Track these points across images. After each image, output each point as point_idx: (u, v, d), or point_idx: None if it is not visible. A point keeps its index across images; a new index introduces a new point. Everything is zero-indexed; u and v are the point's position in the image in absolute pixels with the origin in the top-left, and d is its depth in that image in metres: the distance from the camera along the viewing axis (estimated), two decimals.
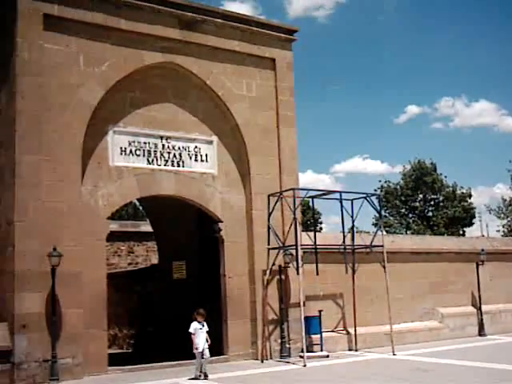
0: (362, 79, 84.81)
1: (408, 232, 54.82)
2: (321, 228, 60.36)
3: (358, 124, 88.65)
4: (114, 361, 18.58)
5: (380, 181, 60.36)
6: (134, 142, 18.93)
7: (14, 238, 16.33)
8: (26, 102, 16.83)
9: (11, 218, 16.54)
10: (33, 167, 16.70)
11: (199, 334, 16.11)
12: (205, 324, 16.34)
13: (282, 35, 21.97)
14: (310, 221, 46.60)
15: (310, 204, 31.31)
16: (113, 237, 21.13)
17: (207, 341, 16.25)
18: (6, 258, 16.76)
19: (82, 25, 17.95)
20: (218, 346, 19.31)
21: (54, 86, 17.33)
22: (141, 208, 44.21)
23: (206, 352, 16.23)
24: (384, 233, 22.47)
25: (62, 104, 17.39)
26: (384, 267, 21.23)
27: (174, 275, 25.54)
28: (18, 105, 16.77)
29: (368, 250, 21.92)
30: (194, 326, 16.18)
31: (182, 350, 18.42)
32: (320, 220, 62.92)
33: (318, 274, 21.14)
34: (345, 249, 21.57)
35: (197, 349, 16.10)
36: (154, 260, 33.40)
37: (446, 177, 58.52)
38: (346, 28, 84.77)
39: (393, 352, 20.30)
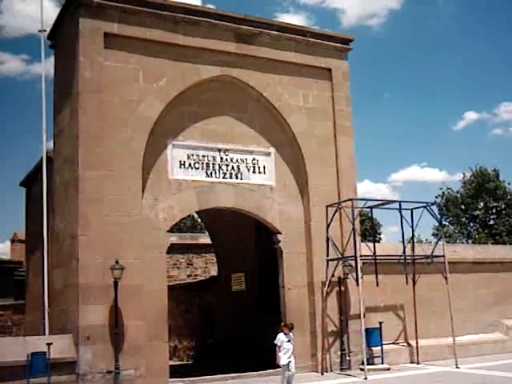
0: (419, 87, 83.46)
1: (469, 241, 53.62)
2: (380, 238, 59.64)
3: (415, 132, 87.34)
4: (175, 372, 18.72)
5: (441, 188, 59.27)
6: (192, 155, 19.15)
7: (77, 251, 16.70)
8: (88, 119, 17.25)
9: (75, 232, 16.93)
10: (95, 182, 17.07)
11: (285, 347, 14.98)
12: (292, 336, 15.26)
13: (338, 45, 21.92)
14: (369, 231, 46.13)
15: (368, 214, 31.07)
16: (172, 249, 21.35)
17: (293, 354, 15.12)
18: (71, 271, 17.16)
19: (140, 42, 18.33)
20: None
21: (114, 102, 17.73)
22: (199, 220, 44.62)
23: (292, 366, 15.02)
24: (445, 242, 22.03)
25: (123, 120, 17.75)
26: (446, 278, 20.83)
27: (234, 287, 25.64)
28: (81, 122, 17.21)
29: (429, 260, 21.52)
30: (281, 339, 15.07)
31: (243, 362, 18.45)
32: (379, 230, 62.19)
33: (377, 285, 20.86)
34: (405, 259, 21.24)
35: (281, 363, 14.94)
36: (213, 272, 33.59)
37: (509, 184, 57.01)
38: (400, 35, 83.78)
39: (456, 365, 19.84)
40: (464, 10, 79.23)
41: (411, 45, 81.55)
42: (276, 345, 15.10)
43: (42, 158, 19.66)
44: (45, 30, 19.41)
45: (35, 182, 22.06)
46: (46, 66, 19.35)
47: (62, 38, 19.33)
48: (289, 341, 15.09)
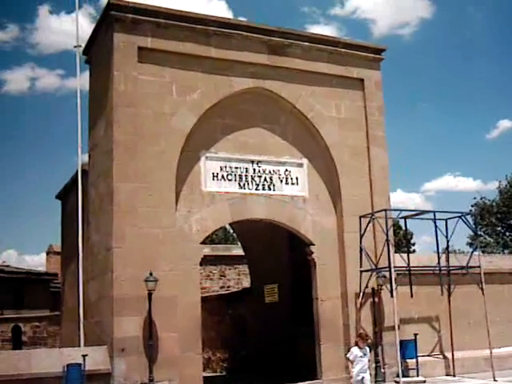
0: (452, 95, 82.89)
1: (505, 251, 52.78)
2: (414, 249, 59.11)
3: (448, 141, 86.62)
4: None
5: (475, 198, 58.54)
6: (225, 167, 19.23)
7: (112, 263, 16.84)
8: (122, 132, 17.44)
9: (110, 245, 17.10)
10: (129, 194, 17.23)
11: (358, 361, 14.34)
12: (367, 350, 14.77)
13: (370, 55, 21.84)
14: (402, 241, 45.72)
15: (401, 223, 30.79)
16: (205, 261, 21.42)
17: (369, 368, 14.61)
18: (105, 283, 17.31)
19: (173, 55, 18.49)
20: (312, 371, 19.19)
21: (148, 115, 17.90)
22: (231, 231, 44.68)
23: (367, 381, 14.37)
24: (480, 253, 21.74)
25: (157, 132, 17.91)
26: (482, 289, 20.54)
27: (267, 298, 25.59)
28: (115, 135, 17.40)
29: (464, 271, 21.24)
30: (355, 353, 14.45)
31: (276, 374, 18.38)
32: (412, 240, 61.61)
33: (412, 296, 20.64)
34: (440, 270, 21.02)
35: (353, 379, 14.37)
36: (246, 283, 33.60)
37: None
38: (432, 44, 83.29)
39: (493, 378, 19.52)
40: (495, 17, 78.56)
41: (443, 53, 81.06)
42: (348, 359, 14.58)
43: (77, 171, 19.92)
44: (80, 46, 19.74)
45: (71, 195, 22.35)
46: (80, 81, 19.63)
47: (96, 52, 19.62)
48: (363, 355, 14.46)
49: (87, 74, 20.74)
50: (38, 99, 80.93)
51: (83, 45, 20.11)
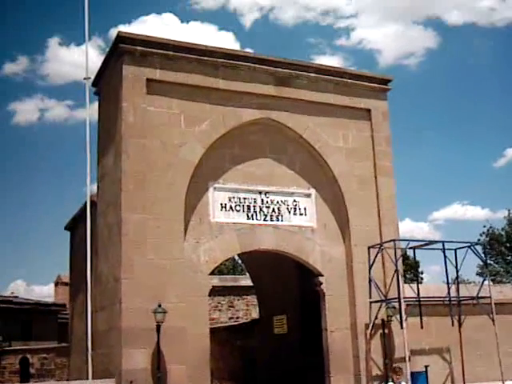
0: (458, 124, 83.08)
1: None
2: (422, 278, 58.69)
3: (455, 170, 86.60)
4: None
5: (484, 226, 58.28)
6: (233, 197, 19.25)
7: (120, 294, 16.81)
8: (130, 163, 17.55)
9: (118, 275, 17.09)
10: (138, 225, 17.26)
11: None
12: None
13: (376, 85, 21.96)
14: (411, 270, 45.47)
15: (409, 253, 30.65)
16: (213, 291, 21.33)
17: None
18: (114, 314, 17.26)
19: (182, 86, 18.67)
20: None
21: (157, 146, 18.02)
22: (240, 261, 44.59)
23: None
24: (491, 282, 21.57)
25: (165, 163, 18.00)
26: (493, 320, 20.34)
27: (275, 329, 25.44)
28: (124, 165, 17.51)
29: (474, 301, 21.08)
30: None
31: None
32: (420, 269, 61.25)
33: (422, 327, 20.42)
34: (450, 301, 20.83)
35: None
36: (255, 314, 33.43)
37: None
38: (438, 74, 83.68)
39: None
40: (500, 47, 78.96)
41: (449, 83, 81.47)
42: None
43: (86, 202, 19.95)
44: (89, 77, 19.88)
45: (79, 225, 22.42)
46: (89, 112, 19.77)
47: (105, 84, 19.85)
48: None
49: (96, 104, 20.99)
50: (48, 130, 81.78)
51: (92, 76, 20.34)
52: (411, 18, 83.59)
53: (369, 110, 21.64)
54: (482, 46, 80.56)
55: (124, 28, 66.76)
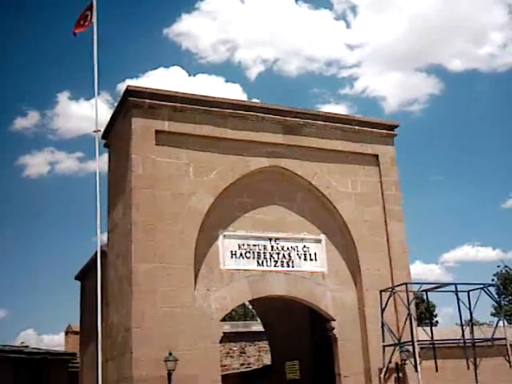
0: (465, 167, 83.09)
1: None
2: (436, 321, 58.10)
3: (464, 212, 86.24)
4: None
5: (498, 266, 57.86)
6: (243, 244, 19.34)
7: (131, 344, 16.80)
8: (140, 214, 17.71)
9: (129, 325, 17.09)
10: (148, 275, 17.34)
11: None
12: None
13: (384, 131, 22.18)
14: (424, 313, 45.01)
15: (423, 296, 30.42)
16: (224, 337, 21.23)
17: None
18: (125, 364, 17.22)
19: (190, 137, 18.96)
20: None
21: (166, 196, 18.21)
22: (251, 307, 44.38)
23: None
24: (506, 323, 21.37)
25: (175, 213, 18.16)
26: (509, 361, 20.10)
27: (288, 375, 25.19)
28: (134, 216, 17.67)
29: (489, 343, 20.86)
30: None
31: None
32: (434, 312, 60.62)
33: (437, 370, 20.19)
34: (464, 343, 20.63)
35: None
36: (267, 360, 33.12)
37: None
38: (442, 119, 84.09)
39: None
40: (502, 92, 79.46)
41: (454, 127, 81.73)
42: None
43: (96, 252, 20.09)
44: (99, 130, 20.25)
45: (90, 276, 22.49)
46: (99, 164, 20.05)
47: (115, 136, 20.17)
48: None
49: (106, 156, 21.29)
50: (58, 182, 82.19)
51: (102, 129, 20.66)
52: (413, 65, 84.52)
53: (377, 156, 21.82)
54: (484, 92, 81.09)
55: (132, 82, 67.85)
